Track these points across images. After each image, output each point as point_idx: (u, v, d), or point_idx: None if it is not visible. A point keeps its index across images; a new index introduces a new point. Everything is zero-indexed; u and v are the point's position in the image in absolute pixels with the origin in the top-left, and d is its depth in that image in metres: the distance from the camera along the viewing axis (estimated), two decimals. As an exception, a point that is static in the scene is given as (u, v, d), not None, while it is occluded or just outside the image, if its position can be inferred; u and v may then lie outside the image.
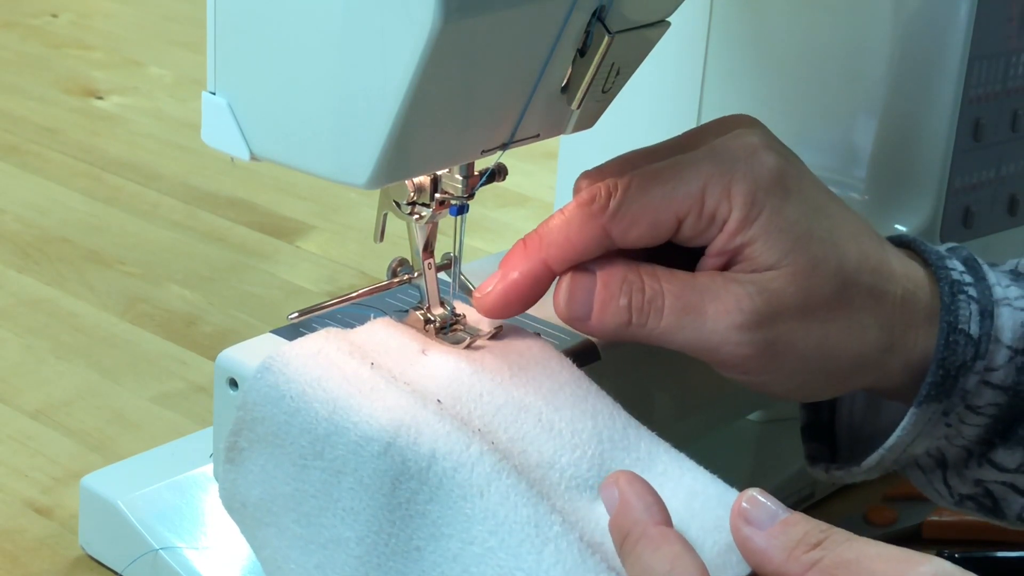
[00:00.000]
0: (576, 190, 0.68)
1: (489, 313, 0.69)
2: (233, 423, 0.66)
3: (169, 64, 1.55)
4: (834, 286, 0.66)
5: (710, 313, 0.65)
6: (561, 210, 0.67)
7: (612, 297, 0.66)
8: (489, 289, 0.68)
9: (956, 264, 0.69)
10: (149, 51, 1.59)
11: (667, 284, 0.66)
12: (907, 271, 0.69)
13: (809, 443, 0.76)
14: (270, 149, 0.65)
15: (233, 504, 0.68)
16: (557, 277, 0.68)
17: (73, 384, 0.96)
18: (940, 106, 0.84)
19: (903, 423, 0.69)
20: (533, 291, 0.68)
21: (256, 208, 1.23)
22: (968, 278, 0.69)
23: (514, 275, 0.68)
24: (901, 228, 0.85)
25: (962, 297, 0.68)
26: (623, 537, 0.58)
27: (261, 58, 0.64)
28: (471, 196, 0.70)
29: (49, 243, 1.15)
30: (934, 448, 0.71)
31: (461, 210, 0.70)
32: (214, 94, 0.66)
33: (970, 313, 0.68)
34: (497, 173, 0.69)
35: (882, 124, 0.85)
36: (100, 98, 1.46)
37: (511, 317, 0.69)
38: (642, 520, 0.58)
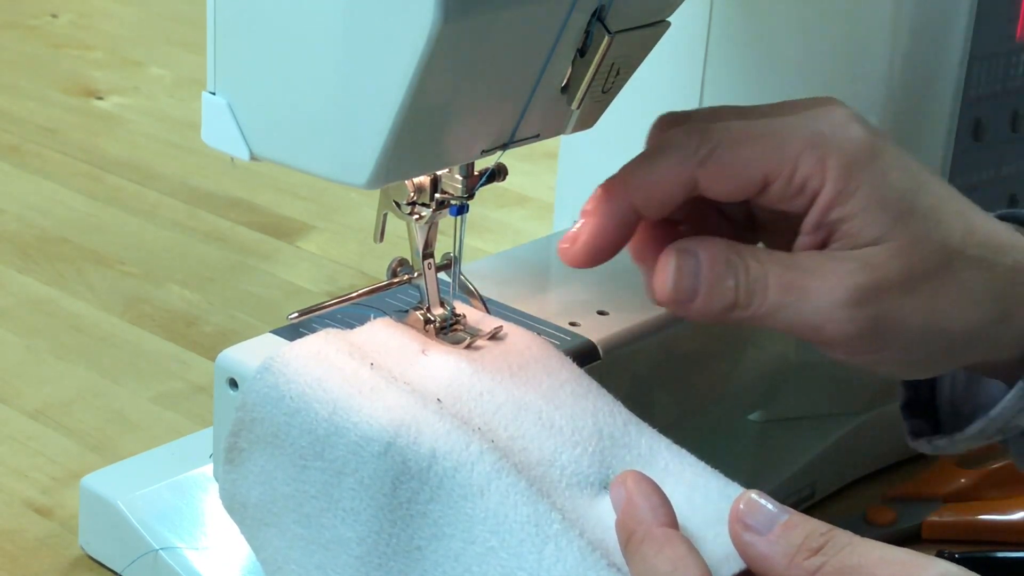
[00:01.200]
0: (659, 127, 0.67)
1: (578, 262, 0.66)
2: (232, 424, 0.66)
3: (169, 64, 1.55)
4: (939, 259, 0.64)
5: (813, 291, 0.63)
6: (643, 153, 0.66)
7: (718, 279, 0.64)
8: (576, 237, 0.66)
9: None
10: (149, 51, 1.59)
11: (770, 264, 0.64)
12: (1017, 242, 0.67)
13: (911, 420, 0.74)
14: (270, 149, 0.65)
15: (233, 505, 0.68)
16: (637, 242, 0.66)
17: (73, 384, 0.96)
18: (940, 106, 0.84)
19: (1010, 394, 0.67)
20: (621, 235, 0.66)
21: (256, 208, 1.23)
22: None
23: (602, 220, 0.66)
24: (901, 228, 0.85)
25: None
26: (628, 537, 0.58)
27: (261, 58, 0.64)
28: (471, 196, 0.69)
29: (49, 243, 1.15)
30: None
31: (461, 210, 0.70)
32: (214, 94, 0.66)
33: None
34: (497, 173, 0.69)
35: (882, 124, 0.85)
36: (100, 98, 1.46)
37: (599, 264, 0.67)
38: (647, 520, 0.57)
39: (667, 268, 0.65)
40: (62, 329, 1.02)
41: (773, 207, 0.65)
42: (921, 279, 0.64)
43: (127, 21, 1.68)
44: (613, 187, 0.66)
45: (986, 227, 0.66)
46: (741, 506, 0.57)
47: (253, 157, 0.66)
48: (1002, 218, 0.69)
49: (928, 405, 0.74)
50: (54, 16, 1.67)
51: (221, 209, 1.23)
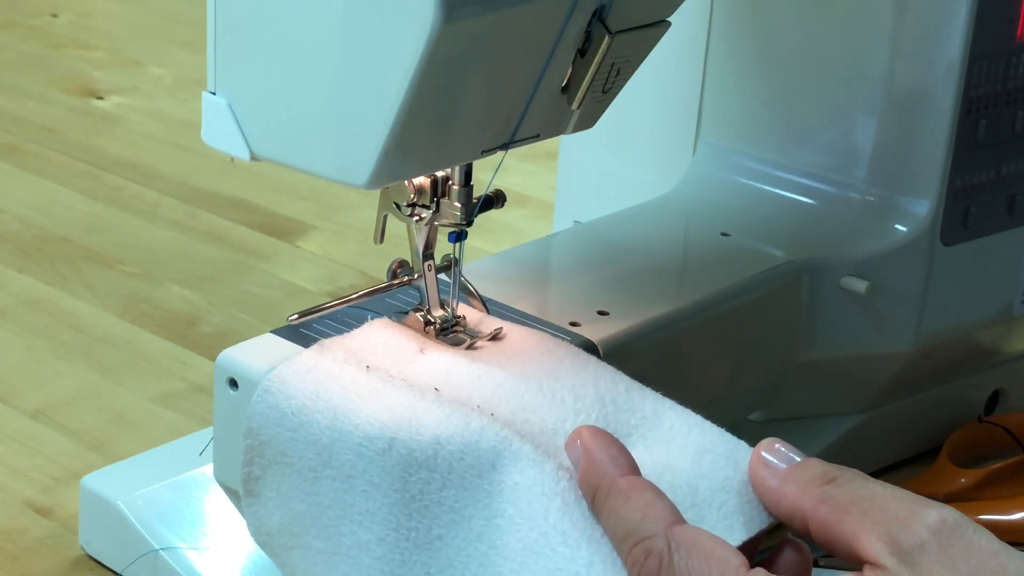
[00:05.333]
0: None
1: None
2: (244, 453, 0.66)
3: (169, 64, 1.55)
4: None
5: None
6: None
7: None
8: None
9: None
10: (149, 51, 1.59)
11: None
12: None
13: None
14: (270, 149, 0.65)
15: (260, 535, 0.67)
16: None
17: (73, 384, 0.96)
18: (940, 106, 0.84)
19: None
20: None
21: (256, 208, 1.23)
22: None
23: None
24: (901, 228, 0.85)
25: None
26: (593, 492, 0.58)
27: (261, 58, 0.64)
28: (470, 223, 0.70)
29: (49, 243, 1.15)
30: None
31: (460, 237, 0.70)
32: (214, 94, 0.66)
33: None
34: (495, 200, 0.70)
35: (882, 124, 0.85)
36: (100, 98, 1.46)
37: None
38: (610, 473, 0.58)
39: None
40: (62, 329, 1.03)
41: None
42: None
43: (127, 21, 1.68)
44: None
45: None
46: (762, 452, 0.58)
47: (253, 157, 0.66)
48: None
49: None
50: (54, 16, 1.67)
51: (221, 209, 1.23)
